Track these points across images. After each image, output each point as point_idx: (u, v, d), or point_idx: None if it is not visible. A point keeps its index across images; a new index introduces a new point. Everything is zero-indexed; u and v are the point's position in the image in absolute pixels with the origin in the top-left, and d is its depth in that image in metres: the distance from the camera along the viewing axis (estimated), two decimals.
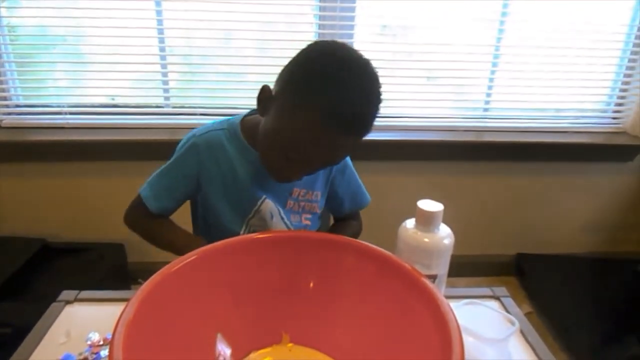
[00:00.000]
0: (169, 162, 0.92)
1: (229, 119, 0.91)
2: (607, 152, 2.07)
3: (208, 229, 0.96)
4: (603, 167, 2.11)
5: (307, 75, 0.72)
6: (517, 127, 2.03)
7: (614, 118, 2.08)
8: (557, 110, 2.08)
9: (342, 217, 1.05)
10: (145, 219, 0.94)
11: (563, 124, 2.06)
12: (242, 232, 0.92)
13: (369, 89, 0.73)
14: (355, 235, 1.02)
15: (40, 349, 0.69)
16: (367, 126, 0.74)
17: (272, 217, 0.91)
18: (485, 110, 2.04)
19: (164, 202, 0.92)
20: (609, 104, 2.07)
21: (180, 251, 0.68)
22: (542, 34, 1.92)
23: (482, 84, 2.00)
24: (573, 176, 2.11)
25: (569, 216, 2.18)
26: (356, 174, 1.02)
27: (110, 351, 0.45)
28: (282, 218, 0.92)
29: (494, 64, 1.96)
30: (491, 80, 1.98)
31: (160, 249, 0.94)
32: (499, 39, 1.91)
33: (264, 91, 0.78)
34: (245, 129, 0.89)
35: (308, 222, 0.96)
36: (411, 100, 2.01)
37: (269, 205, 0.90)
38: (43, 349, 0.70)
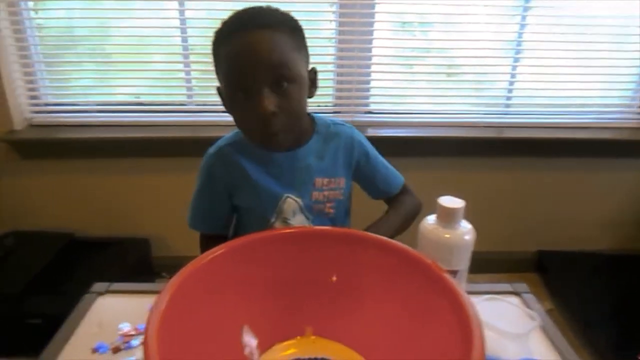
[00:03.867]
0: (196, 186, 0.97)
1: (235, 132, 0.94)
2: (631, 147, 2.04)
3: (238, 233, 1.01)
4: (627, 163, 2.07)
5: (212, 47, 0.83)
6: (539, 122, 2.01)
7: (639, 113, 2.03)
8: (580, 105, 2.04)
9: (390, 199, 1.04)
10: (206, 242, 0.99)
11: (586, 119, 2.03)
12: None
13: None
14: (412, 210, 1.00)
15: (74, 337, 0.73)
16: (266, 16, 0.80)
17: (294, 214, 0.93)
18: (507, 106, 2.02)
19: (209, 221, 0.97)
20: (633, 98, 2.03)
21: None
22: (565, 28, 1.89)
23: (503, 79, 1.98)
24: (596, 172, 2.08)
25: (591, 212, 2.15)
26: (382, 157, 1.03)
27: (145, 340, 0.47)
28: (303, 212, 0.94)
29: (516, 59, 1.94)
30: (513, 75, 1.96)
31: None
32: (520, 34, 1.89)
33: (218, 90, 0.87)
34: None
35: (331, 211, 0.96)
36: (431, 97, 2.01)
37: (291, 204, 0.93)
38: (77, 338, 0.73)
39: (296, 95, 0.80)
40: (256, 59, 0.76)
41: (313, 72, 0.88)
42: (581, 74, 1.96)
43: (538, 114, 2.03)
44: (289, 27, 0.81)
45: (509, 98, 2.00)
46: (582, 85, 1.99)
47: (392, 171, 1.04)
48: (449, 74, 2.01)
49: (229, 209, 0.97)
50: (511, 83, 1.97)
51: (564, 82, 1.98)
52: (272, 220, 0.94)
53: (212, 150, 0.95)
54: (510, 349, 0.64)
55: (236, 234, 1.01)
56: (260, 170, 0.92)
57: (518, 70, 1.95)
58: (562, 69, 1.94)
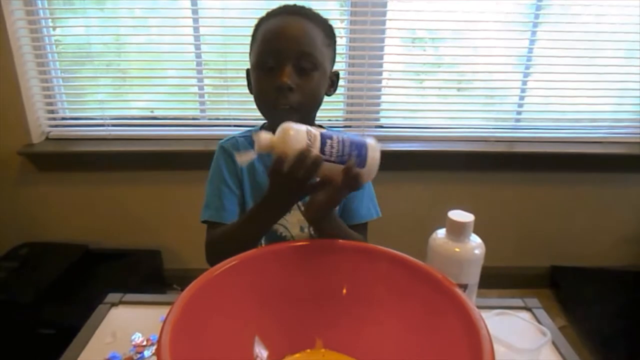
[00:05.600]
0: (210, 173, 0.96)
1: (250, 128, 0.98)
2: None
3: None
4: (639, 177, 2.05)
5: (254, 27, 0.89)
6: (550, 137, 2.00)
7: None
8: (591, 120, 2.04)
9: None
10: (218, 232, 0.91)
11: (597, 134, 2.02)
12: None
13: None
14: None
15: (88, 347, 0.74)
16: (308, 11, 0.86)
17: (289, 211, 0.91)
18: (517, 120, 2.02)
19: (227, 207, 0.92)
20: None
21: (259, 214, 0.78)
22: (575, 43, 1.90)
23: (513, 94, 1.99)
24: (608, 187, 2.06)
25: (604, 228, 2.12)
26: (371, 187, 0.99)
27: (158, 349, 0.48)
28: (299, 207, 0.92)
29: (526, 74, 1.94)
30: (523, 90, 1.96)
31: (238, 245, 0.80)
32: (530, 49, 1.90)
33: (247, 72, 0.91)
34: None
35: None
36: (442, 111, 2.02)
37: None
38: (91, 348, 0.74)
39: (316, 81, 0.85)
40: (288, 37, 0.83)
41: (335, 75, 0.93)
42: (591, 89, 1.96)
43: (548, 129, 2.03)
44: (326, 27, 0.88)
45: (519, 112, 2.01)
46: (592, 100, 1.99)
47: (372, 204, 0.99)
48: (459, 89, 2.02)
49: (237, 199, 0.94)
50: (521, 97, 1.98)
51: (574, 97, 1.98)
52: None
53: (225, 139, 0.97)
54: None
55: None
56: (265, 169, 0.92)
57: (528, 85, 1.96)
58: (572, 83, 1.94)
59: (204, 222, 0.93)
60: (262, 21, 0.88)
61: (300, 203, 0.91)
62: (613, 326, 1.80)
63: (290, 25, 0.84)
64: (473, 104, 2.05)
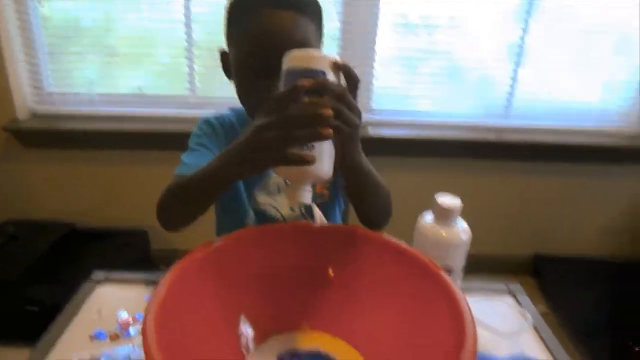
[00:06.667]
0: (190, 143, 0.91)
1: (240, 109, 0.92)
2: (630, 154, 2.05)
3: (222, 209, 0.98)
4: (626, 169, 2.09)
5: (230, 9, 0.80)
6: (539, 126, 2.02)
7: (639, 120, 2.04)
8: (581, 111, 2.05)
9: None
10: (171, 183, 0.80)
11: (586, 124, 2.04)
12: (248, 208, 0.92)
13: None
14: (386, 189, 0.82)
15: (74, 324, 0.74)
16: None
17: (279, 191, 0.92)
18: (507, 109, 2.03)
19: (199, 163, 0.81)
20: (634, 105, 2.04)
21: (216, 172, 0.63)
22: (568, 33, 1.91)
23: (504, 83, 1.99)
24: (595, 178, 2.09)
25: (589, 218, 2.16)
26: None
27: (144, 329, 0.48)
28: (286, 182, 0.91)
29: (517, 63, 1.95)
30: (514, 79, 1.97)
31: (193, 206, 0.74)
32: (523, 39, 1.90)
33: (223, 55, 0.84)
34: None
35: (325, 192, 0.94)
36: (433, 98, 2.02)
37: (276, 179, 0.91)
38: (77, 324, 0.74)
39: None
40: (282, 44, 0.70)
41: None
42: (583, 79, 1.97)
43: (538, 119, 2.04)
44: (315, 13, 0.80)
45: (509, 102, 2.02)
46: (582, 91, 2.00)
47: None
48: (450, 76, 2.02)
49: None
50: (512, 87, 1.99)
51: (565, 87, 1.99)
52: (258, 191, 0.91)
53: (212, 114, 0.94)
54: (503, 347, 0.65)
55: (219, 208, 0.97)
56: None
57: (520, 74, 1.96)
58: (563, 74, 1.95)
59: None
60: (248, 9, 0.77)
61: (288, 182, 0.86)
62: (594, 315, 1.84)
63: (284, 28, 0.75)
64: (464, 92, 2.05)
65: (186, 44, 1.85)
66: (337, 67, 0.54)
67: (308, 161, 0.53)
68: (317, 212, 0.59)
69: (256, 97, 0.80)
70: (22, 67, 1.84)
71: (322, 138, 0.52)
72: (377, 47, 1.89)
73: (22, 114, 1.86)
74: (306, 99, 0.51)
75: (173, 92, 1.98)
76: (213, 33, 1.87)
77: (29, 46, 1.84)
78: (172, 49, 1.94)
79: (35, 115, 1.90)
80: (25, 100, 1.88)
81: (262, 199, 0.93)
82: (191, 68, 1.91)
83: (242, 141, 0.57)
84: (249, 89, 0.81)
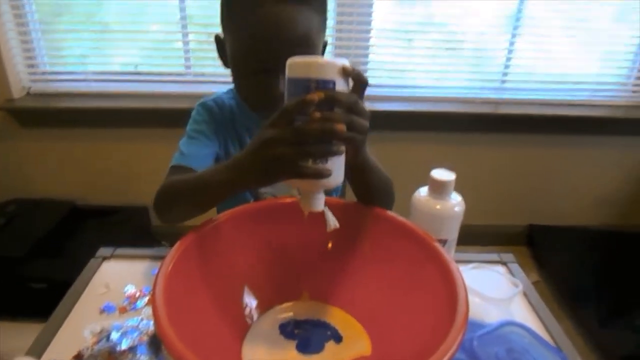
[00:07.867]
0: (188, 129, 0.88)
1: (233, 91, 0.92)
2: (625, 125, 2.07)
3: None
4: (620, 140, 2.11)
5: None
6: (535, 99, 2.03)
7: (634, 92, 2.06)
8: (576, 82, 2.06)
9: None
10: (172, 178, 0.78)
11: (581, 96, 2.05)
12: (247, 193, 0.91)
13: None
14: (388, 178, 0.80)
15: (83, 298, 0.76)
16: None
17: None
18: (503, 82, 2.03)
19: (197, 153, 0.83)
20: (629, 77, 2.05)
21: (225, 183, 0.61)
22: (563, 5, 1.90)
23: (500, 56, 1.99)
24: (589, 149, 2.11)
25: (582, 189, 2.19)
26: None
27: (153, 300, 0.51)
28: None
29: (514, 35, 1.94)
30: (510, 51, 1.97)
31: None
32: (519, 10, 1.89)
33: (218, 41, 0.81)
34: None
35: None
36: (429, 71, 2.02)
37: None
38: (85, 298, 0.76)
39: None
40: (284, 41, 0.71)
41: (324, 45, 0.83)
42: (577, 52, 1.97)
43: (534, 91, 2.05)
44: (317, 2, 0.75)
45: (505, 74, 2.02)
46: (578, 63, 2.00)
47: None
48: (447, 49, 2.01)
49: (216, 155, 0.88)
50: (508, 59, 1.99)
51: (559, 59, 1.99)
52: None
53: (211, 97, 0.91)
54: (493, 313, 0.69)
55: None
56: (250, 127, 0.90)
57: (515, 46, 1.96)
58: (559, 46, 1.95)
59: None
60: None
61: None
62: (584, 282, 1.89)
63: (286, 20, 0.70)
64: (460, 65, 2.05)
65: (180, 19, 1.84)
66: (346, 73, 0.54)
67: (324, 175, 0.52)
68: (330, 216, 0.60)
69: (256, 93, 0.78)
70: (15, 45, 1.82)
71: (336, 153, 0.53)
72: (373, 21, 1.88)
73: (17, 92, 1.86)
74: (317, 114, 0.50)
75: (168, 69, 1.97)
76: (207, 7, 1.86)
77: (21, 23, 1.82)
78: (165, 25, 1.92)
79: (30, 94, 1.90)
80: (20, 78, 1.87)
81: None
82: (185, 44, 1.89)
83: (252, 153, 0.55)
84: (247, 84, 0.79)
